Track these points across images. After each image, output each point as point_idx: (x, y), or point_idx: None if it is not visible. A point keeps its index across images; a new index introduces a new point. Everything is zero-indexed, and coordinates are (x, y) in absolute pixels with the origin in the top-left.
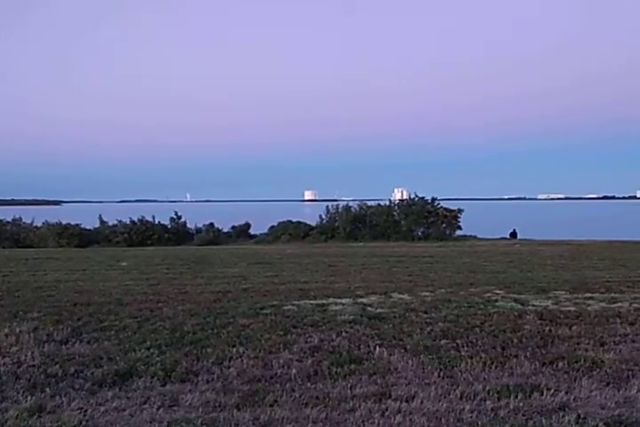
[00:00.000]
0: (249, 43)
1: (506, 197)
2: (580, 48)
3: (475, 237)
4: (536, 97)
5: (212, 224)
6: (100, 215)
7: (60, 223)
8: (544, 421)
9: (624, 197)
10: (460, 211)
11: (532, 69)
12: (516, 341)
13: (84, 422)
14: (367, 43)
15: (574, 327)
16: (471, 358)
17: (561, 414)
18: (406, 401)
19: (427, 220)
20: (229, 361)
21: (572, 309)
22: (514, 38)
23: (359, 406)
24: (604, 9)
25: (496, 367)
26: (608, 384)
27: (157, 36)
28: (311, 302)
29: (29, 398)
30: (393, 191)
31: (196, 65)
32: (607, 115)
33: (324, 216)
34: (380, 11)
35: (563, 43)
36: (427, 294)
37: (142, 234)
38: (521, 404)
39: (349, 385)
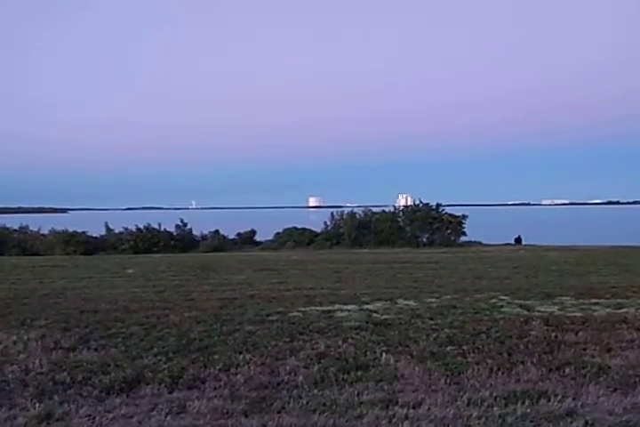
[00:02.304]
0: (248, 44)
1: (510, 202)
2: (587, 46)
3: (479, 242)
4: (541, 111)
5: (217, 231)
6: (106, 223)
7: (67, 231)
8: None
9: (629, 202)
10: (464, 217)
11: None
12: (522, 347)
13: None
14: (369, 51)
15: (580, 333)
16: (478, 364)
17: (568, 420)
18: (413, 408)
19: (431, 226)
20: (236, 368)
21: (578, 314)
22: (515, 35)
23: (366, 413)
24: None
25: (503, 373)
26: (615, 390)
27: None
28: (317, 308)
29: (38, 405)
30: (397, 197)
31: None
32: (611, 120)
33: (328, 223)
34: (384, 9)
35: (563, 39)
36: (432, 300)
37: (148, 241)
38: (528, 410)
39: (356, 392)
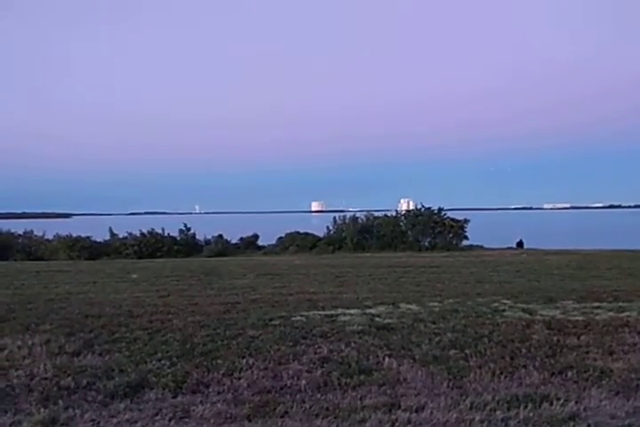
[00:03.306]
0: (250, 56)
1: (512, 206)
2: (582, 65)
3: (481, 246)
4: (541, 110)
5: (220, 236)
6: (110, 228)
7: (71, 236)
8: None
9: (630, 206)
10: (466, 221)
11: (538, 84)
12: (524, 350)
13: None
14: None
15: (583, 337)
16: (480, 368)
17: (571, 424)
18: (416, 412)
19: (433, 230)
20: (240, 372)
21: (580, 318)
22: (525, 55)
23: (369, 417)
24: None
25: (505, 377)
26: (617, 394)
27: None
28: (320, 312)
29: (42, 410)
30: (399, 202)
31: (194, 84)
32: (612, 125)
33: (331, 227)
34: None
35: (569, 59)
36: (435, 304)
37: (152, 246)
38: (531, 414)
39: (359, 396)
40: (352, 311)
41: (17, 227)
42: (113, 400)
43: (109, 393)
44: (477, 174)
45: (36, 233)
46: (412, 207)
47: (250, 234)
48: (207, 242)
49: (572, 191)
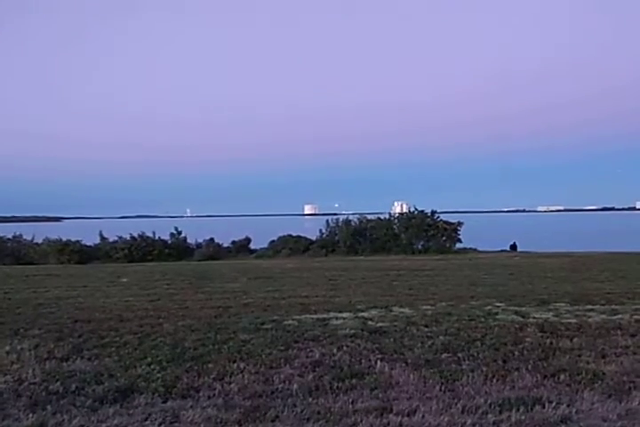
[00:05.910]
0: (242, 59)
1: (505, 209)
2: (580, 65)
3: (475, 249)
4: (536, 112)
5: (212, 239)
6: (100, 231)
7: (61, 240)
8: None
9: (623, 209)
10: (459, 224)
11: (534, 85)
12: (517, 353)
13: None
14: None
15: (575, 340)
16: (472, 371)
17: (563, 426)
18: (408, 415)
19: (427, 233)
20: (230, 377)
21: (573, 321)
22: (518, 53)
23: (361, 421)
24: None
25: (497, 381)
26: (610, 397)
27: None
28: (312, 316)
29: (31, 415)
30: (392, 205)
31: (187, 83)
32: (608, 128)
33: (324, 230)
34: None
35: (564, 59)
36: (427, 307)
37: (142, 250)
38: (523, 417)
39: (351, 400)
40: (344, 315)
41: (6, 231)
42: (102, 405)
43: (98, 398)
44: (471, 177)
45: (25, 237)
46: (405, 210)
47: (242, 237)
48: (198, 245)
49: (565, 193)
